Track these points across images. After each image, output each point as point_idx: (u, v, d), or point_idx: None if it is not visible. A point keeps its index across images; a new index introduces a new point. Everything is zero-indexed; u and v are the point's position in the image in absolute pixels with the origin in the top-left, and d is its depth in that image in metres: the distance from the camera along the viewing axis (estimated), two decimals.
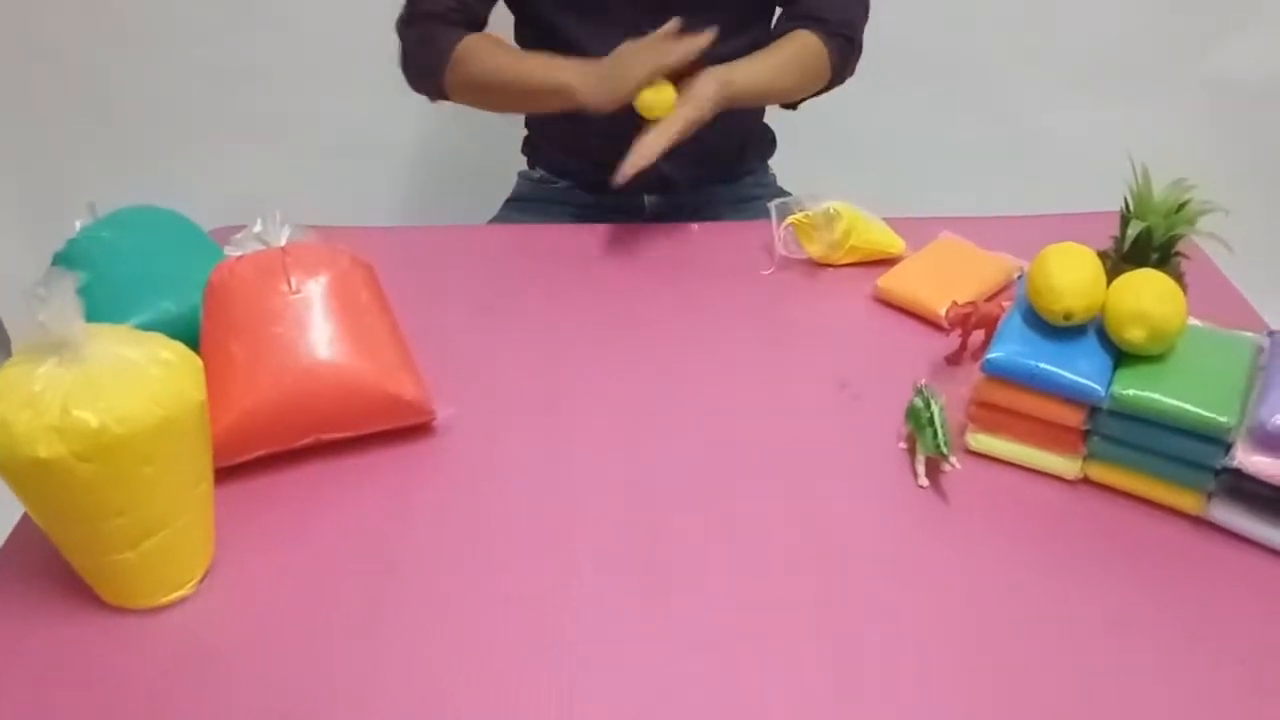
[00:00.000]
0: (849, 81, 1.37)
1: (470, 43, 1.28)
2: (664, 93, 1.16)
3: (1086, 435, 0.90)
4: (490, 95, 1.31)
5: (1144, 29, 1.92)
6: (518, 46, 1.34)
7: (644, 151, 1.14)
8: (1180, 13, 1.91)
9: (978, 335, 1.05)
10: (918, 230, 1.23)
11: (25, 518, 0.84)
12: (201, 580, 0.82)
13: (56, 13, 1.88)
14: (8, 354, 0.74)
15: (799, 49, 1.29)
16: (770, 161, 1.54)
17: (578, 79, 1.18)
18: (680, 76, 1.18)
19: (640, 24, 1.18)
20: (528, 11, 1.35)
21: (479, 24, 1.33)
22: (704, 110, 1.17)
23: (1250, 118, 2.01)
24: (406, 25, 1.31)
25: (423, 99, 1.34)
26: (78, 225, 1.02)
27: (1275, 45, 1.95)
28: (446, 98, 1.32)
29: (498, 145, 1.56)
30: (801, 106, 1.37)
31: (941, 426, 0.89)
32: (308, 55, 1.92)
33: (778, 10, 1.36)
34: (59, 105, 1.98)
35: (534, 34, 1.35)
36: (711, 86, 1.18)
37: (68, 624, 0.79)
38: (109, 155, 1.99)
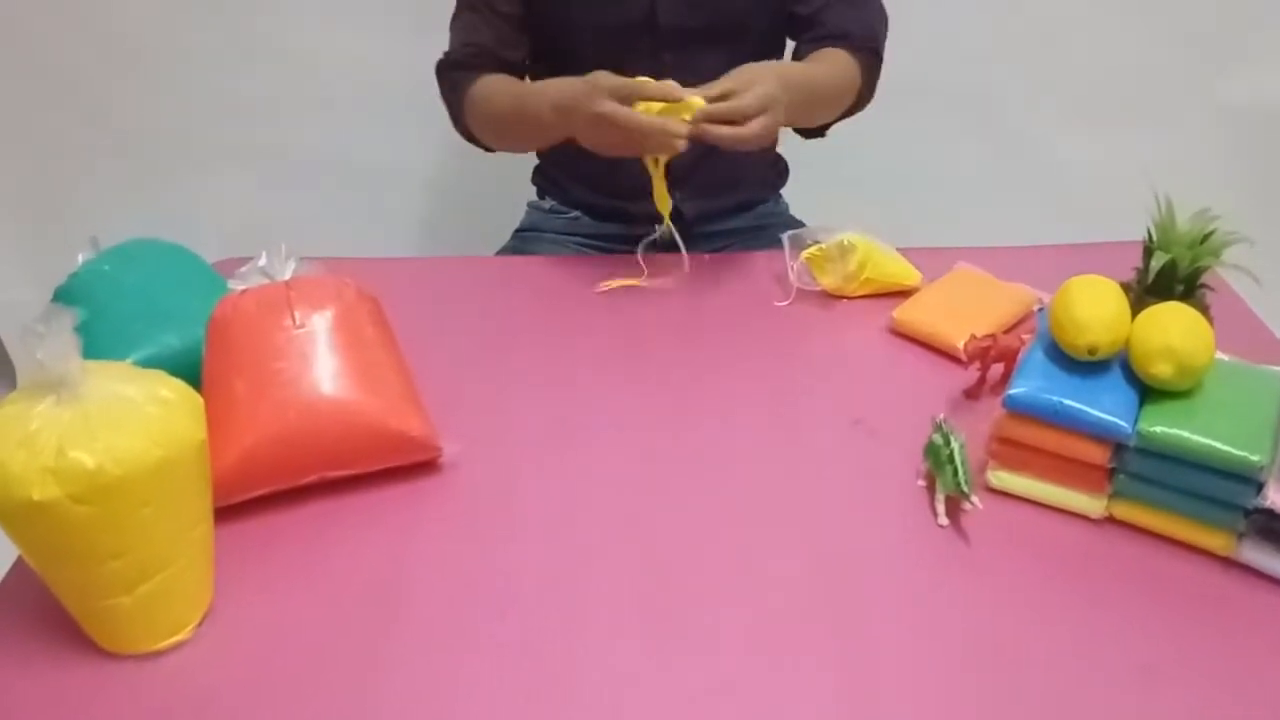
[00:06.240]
0: (861, 111, 1.36)
1: (482, 84, 1.26)
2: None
3: (1112, 473, 0.87)
4: (508, 136, 1.29)
5: (1157, 56, 1.91)
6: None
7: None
8: (1193, 40, 1.90)
9: (997, 369, 1.03)
10: (933, 261, 1.22)
11: (20, 560, 0.83)
12: (199, 625, 0.80)
13: (61, 42, 1.89)
14: (13, 384, 0.72)
15: (831, 58, 1.26)
16: (783, 191, 1.53)
17: (552, 112, 1.14)
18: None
19: (661, 57, 1.16)
20: (548, 41, 1.32)
21: (506, 67, 1.30)
22: (779, 99, 1.09)
23: (1267, 145, 1.98)
24: (438, 80, 1.31)
25: (432, 129, 1.33)
26: (80, 259, 1.01)
27: None
28: (485, 146, 1.30)
29: (507, 175, 1.55)
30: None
31: (962, 464, 0.87)
32: (315, 85, 1.92)
33: (791, 43, 1.35)
34: (65, 134, 1.98)
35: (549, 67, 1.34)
36: (772, 81, 1.09)
37: (62, 669, 0.77)
38: (115, 185, 1.99)
